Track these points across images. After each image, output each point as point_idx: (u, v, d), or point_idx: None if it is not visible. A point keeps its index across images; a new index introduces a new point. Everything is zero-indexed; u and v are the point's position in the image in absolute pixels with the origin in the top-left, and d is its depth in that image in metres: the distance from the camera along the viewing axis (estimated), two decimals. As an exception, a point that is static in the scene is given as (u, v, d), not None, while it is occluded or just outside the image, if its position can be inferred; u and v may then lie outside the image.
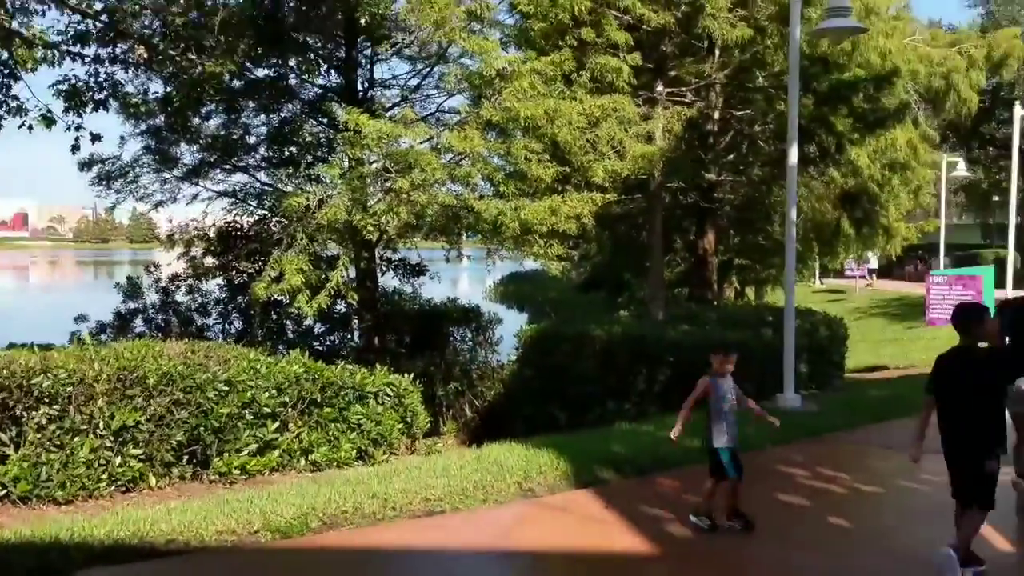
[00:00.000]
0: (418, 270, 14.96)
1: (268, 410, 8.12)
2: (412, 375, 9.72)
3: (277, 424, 8.20)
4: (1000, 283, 16.89)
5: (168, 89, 11.88)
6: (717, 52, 14.02)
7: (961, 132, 35.52)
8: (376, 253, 13.37)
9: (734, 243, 17.25)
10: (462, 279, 49.00)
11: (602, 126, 10.91)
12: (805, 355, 11.86)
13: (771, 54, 12.68)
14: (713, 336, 11.57)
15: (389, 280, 15.05)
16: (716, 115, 13.93)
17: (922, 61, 14.02)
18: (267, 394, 8.17)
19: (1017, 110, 18.43)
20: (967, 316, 5.00)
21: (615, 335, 11.19)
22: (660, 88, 12.85)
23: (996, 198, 46.66)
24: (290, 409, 8.38)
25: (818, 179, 13.73)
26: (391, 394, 9.23)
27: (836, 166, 13.00)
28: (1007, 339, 5.79)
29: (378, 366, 9.88)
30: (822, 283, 41.39)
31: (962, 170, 28.61)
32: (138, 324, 14.66)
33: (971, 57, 14.55)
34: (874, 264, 36.64)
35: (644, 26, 12.55)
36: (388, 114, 12.19)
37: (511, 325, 15.54)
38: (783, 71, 12.40)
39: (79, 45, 10.22)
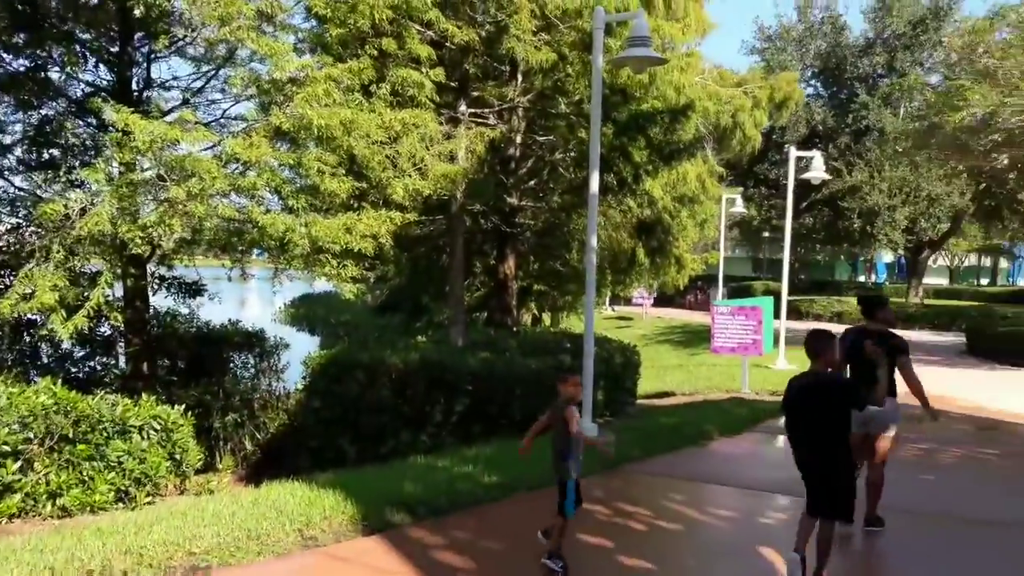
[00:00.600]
0: (195, 289, 13.74)
1: (8, 448, 7.08)
2: (184, 405, 8.76)
3: (19, 464, 7.16)
4: (776, 313, 17.84)
5: None
6: (520, 76, 13.90)
7: (737, 171, 37.82)
8: (148, 270, 12.09)
9: (533, 269, 17.20)
10: (250, 300, 46.81)
11: (403, 142, 10.36)
12: (601, 382, 11.80)
13: (573, 82, 12.64)
14: (515, 364, 11.27)
15: (163, 300, 13.74)
16: (519, 139, 13.77)
17: (711, 99, 14.54)
18: (6, 429, 7.10)
19: (792, 152, 19.65)
20: (817, 342, 5.25)
21: (412, 362, 10.63)
22: (463, 108, 12.51)
23: (766, 234, 50.19)
24: (36, 446, 7.31)
25: (616, 208, 13.86)
26: (158, 428, 8.25)
27: (633, 196, 13.16)
28: (847, 364, 6.35)
29: (145, 396, 8.83)
30: (613, 310, 42.84)
31: (739, 207, 30.39)
32: None
33: (756, 97, 15.34)
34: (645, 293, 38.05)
35: (448, 43, 12.19)
36: (167, 118, 11.07)
37: (301, 350, 14.62)
38: (584, 99, 12.38)
39: None
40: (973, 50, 21.45)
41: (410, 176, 10.39)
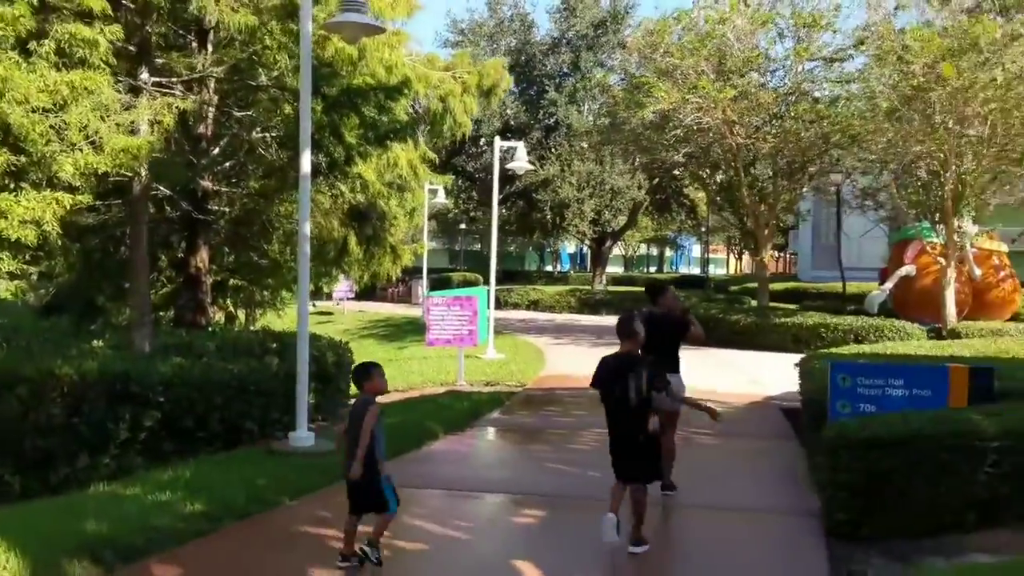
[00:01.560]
0: None
1: None
2: None
3: None
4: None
5: None
6: (211, 46, 12.44)
7: (437, 163, 37.89)
8: None
9: (228, 261, 15.65)
10: None
11: (72, 110, 8.65)
12: (312, 384, 10.79)
13: (273, 53, 11.43)
14: (214, 369, 9.92)
15: None
16: (211, 114, 12.28)
17: (421, 81, 13.95)
18: None
19: (497, 141, 19.66)
20: (627, 325, 5.99)
21: (89, 372, 8.96)
22: (145, 76, 10.86)
23: (463, 226, 51.08)
24: None
25: (326, 193, 12.83)
26: None
27: (345, 180, 12.21)
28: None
29: None
30: (314, 305, 41.27)
31: (441, 198, 30.32)
32: None
33: (465, 83, 15.01)
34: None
35: (126, 0, 10.52)
36: None
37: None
38: (286, 71, 11.25)
39: None
40: (655, 49, 22.75)
41: (82, 151, 8.71)
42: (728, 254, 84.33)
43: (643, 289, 8.38)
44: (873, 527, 5.88)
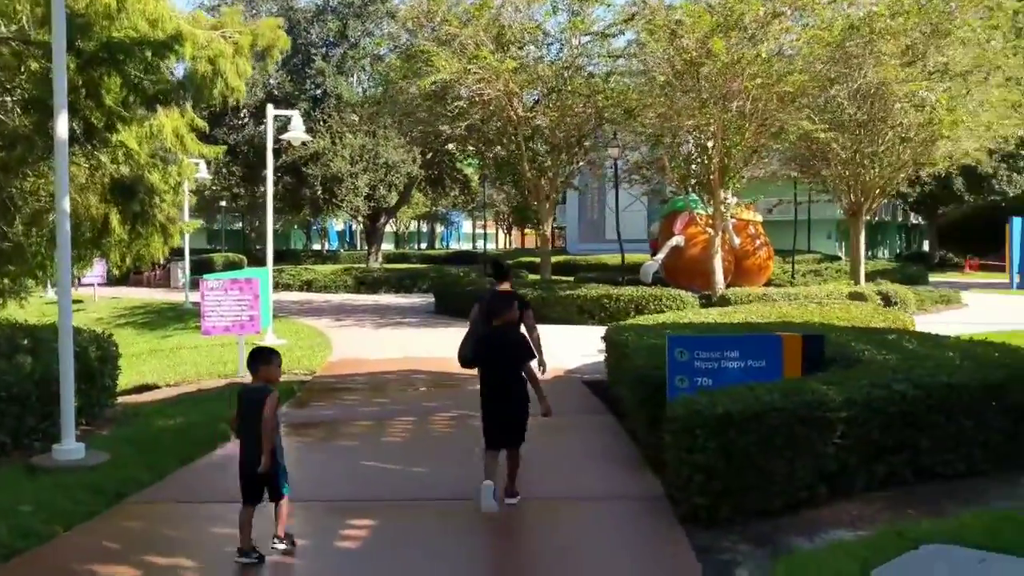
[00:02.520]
0: None
1: None
2: None
3: None
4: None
5: None
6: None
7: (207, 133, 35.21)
8: None
9: (-42, 246, 13.35)
10: None
11: None
12: (76, 384, 9.29)
13: (13, 2, 9.67)
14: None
15: None
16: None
17: (188, 41, 12.43)
18: None
19: (271, 110, 18.25)
20: (501, 303, 6.68)
21: None
22: None
23: (223, 203, 48.09)
24: None
25: (82, 164, 11.10)
26: None
27: (106, 149, 10.60)
28: (488, 320, 7.02)
29: None
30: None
31: (203, 172, 28.13)
32: None
33: (237, 44, 13.56)
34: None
35: None
36: None
37: None
38: (33, 22, 9.55)
39: None
40: (431, 18, 22.08)
41: None
42: (497, 229, 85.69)
43: (489, 267, 9.18)
44: (732, 509, 5.62)
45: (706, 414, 5.61)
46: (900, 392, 6.01)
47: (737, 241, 24.28)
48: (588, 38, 23.00)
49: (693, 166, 22.87)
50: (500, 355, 6.38)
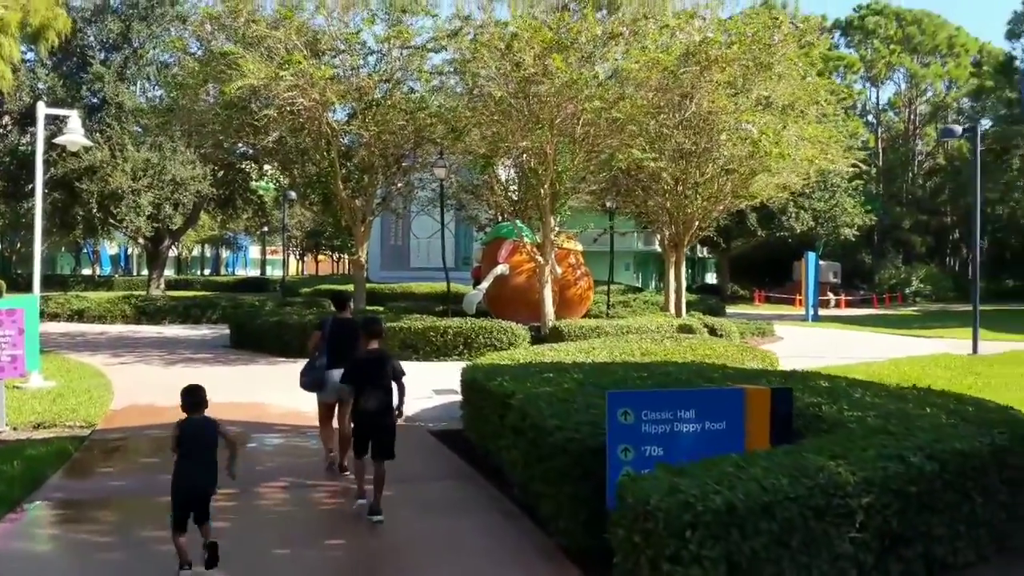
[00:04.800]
0: None
1: None
2: None
3: None
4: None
5: None
6: None
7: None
8: None
9: None
10: None
11: None
12: None
13: None
14: None
15: None
16: None
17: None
18: None
19: (42, 109, 15.18)
20: (376, 325, 7.55)
21: None
22: None
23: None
24: None
25: None
26: None
27: None
28: (328, 345, 8.38)
29: None
30: None
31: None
32: None
33: (2, 20, 10.78)
34: None
35: None
36: None
37: None
38: None
39: None
40: (236, 16, 19.66)
41: None
42: (287, 255, 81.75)
43: (331, 298, 9.57)
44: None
45: (701, 507, 4.02)
46: (917, 466, 4.71)
47: (559, 271, 23.29)
48: (409, 51, 21.32)
49: (515, 191, 21.76)
50: (371, 371, 7.06)
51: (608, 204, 26.79)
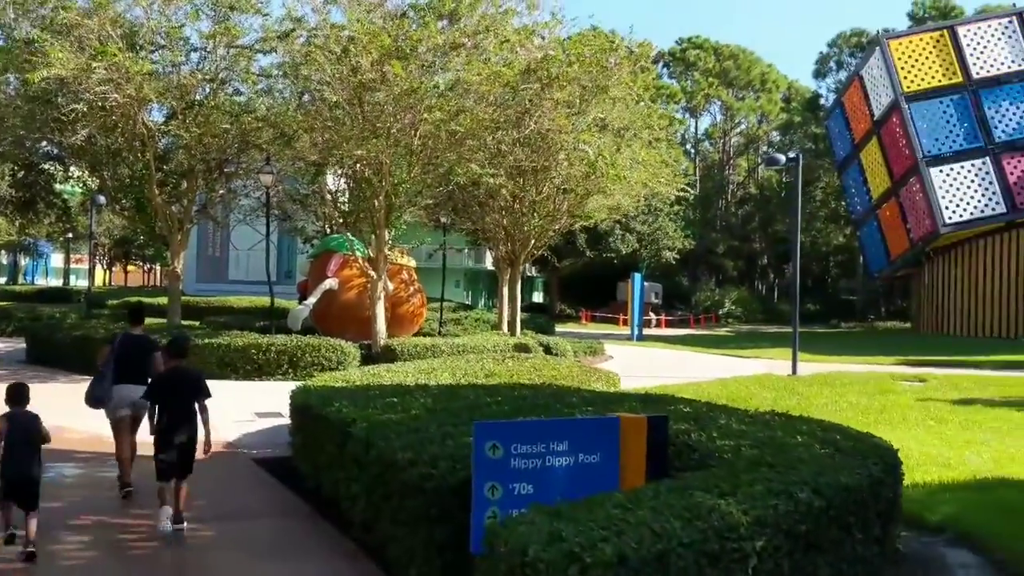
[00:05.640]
0: None
1: None
2: None
3: None
4: None
5: None
6: None
7: None
8: None
9: None
10: None
11: None
12: None
13: None
14: None
15: None
16: None
17: None
18: None
19: None
20: (185, 342, 7.49)
21: None
22: None
23: None
24: None
25: None
26: None
27: None
28: (117, 360, 8.13)
29: None
30: None
31: None
32: None
33: None
34: None
35: None
36: None
37: None
38: None
39: None
40: (43, 3, 17.84)
41: None
42: (93, 264, 76.30)
43: (128, 312, 9.39)
44: None
45: (589, 558, 3.49)
46: (806, 503, 4.37)
47: (391, 287, 22.52)
48: (237, 50, 20.04)
49: (345, 202, 20.89)
50: (176, 388, 6.99)
51: (443, 219, 26.32)
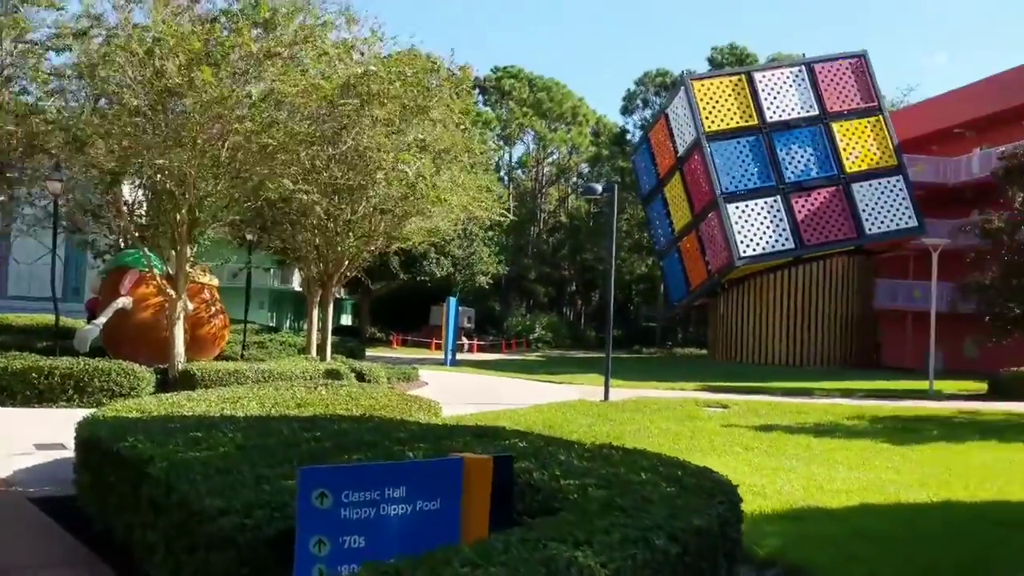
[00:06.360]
0: None
1: None
2: None
3: None
4: None
5: None
6: None
7: None
8: None
9: None
10: None
11: None
12: None
13: None
14: None
15: None
16: None
17: None
18: None
19: None
20: None
21: None
22: None
23: None
24: None
25: None
26: None
27: None
28: None
29: None
30: None
31: None
32: None
33: None
34: None
35: None
36: None
37: None
38: None
39: None
40: None
41: None
42: None
43: None
44: None
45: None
46: (663, 550, 4.07)
47: (191, 306, 21.06)
48: (26, 45, 18.21)
49: (142, 215, 19.38)
50: None
51: (249, 236, 25.01)
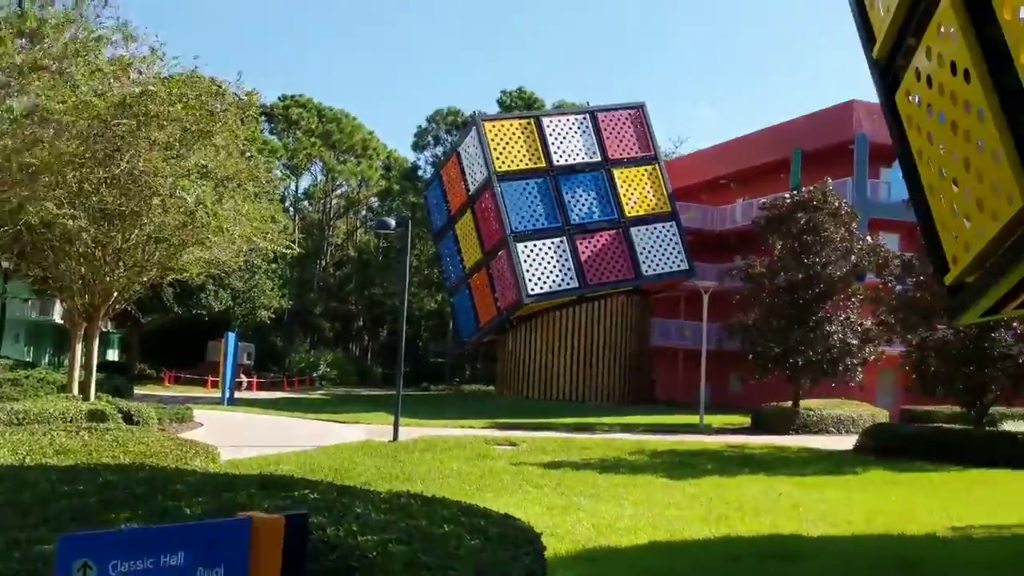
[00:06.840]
0: None
1: None
2: None
3: None
4: None
5: None
6: None
7: None
8: None
9: None
10: None
11: None
12: None
13: None
14: None
15: None
16: None
17: None
18: None
19: None
20: None
21: None
22: None
23: None
24: None
25: None
26: None
27: None
28: None
29: None
30: None
31: None
32: None
33: None
34: None
35: None
36: None
37: None
38: None
39: None
40: None
41: None
42: None
43: None
44: None
45: None
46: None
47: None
48: None
49: None
50: None
51: (5, 264, 22.71)
